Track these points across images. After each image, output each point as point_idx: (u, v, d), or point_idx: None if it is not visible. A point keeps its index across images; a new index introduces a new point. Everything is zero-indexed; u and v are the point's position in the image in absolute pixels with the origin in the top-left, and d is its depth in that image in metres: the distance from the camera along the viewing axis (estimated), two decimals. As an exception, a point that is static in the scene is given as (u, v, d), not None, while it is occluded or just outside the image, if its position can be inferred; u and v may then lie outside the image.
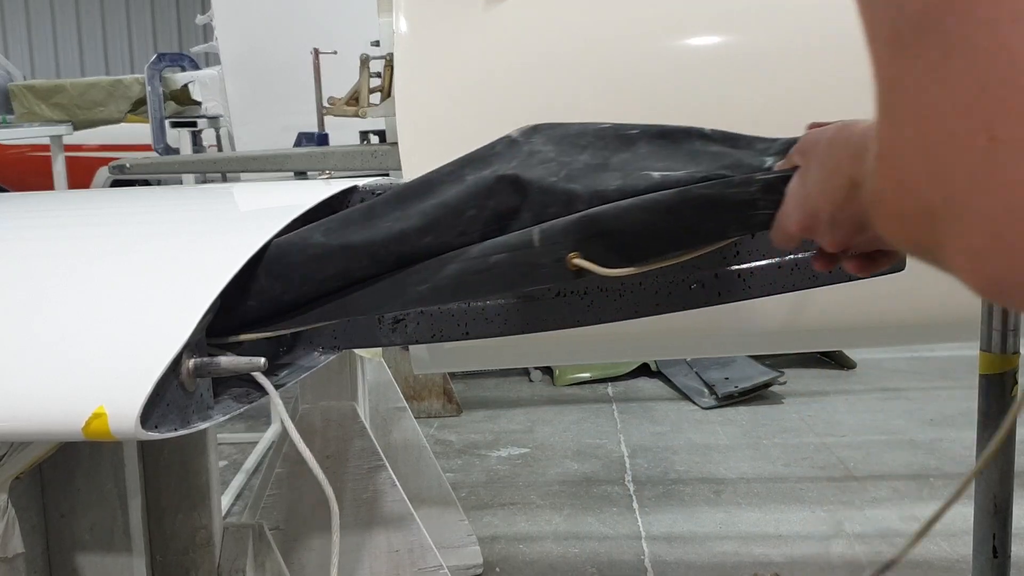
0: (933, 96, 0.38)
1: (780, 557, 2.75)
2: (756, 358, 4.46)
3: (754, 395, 4.27)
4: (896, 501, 3.10)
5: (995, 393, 1.53)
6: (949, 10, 0.37)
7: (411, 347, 1.56)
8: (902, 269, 0.93)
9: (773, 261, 1.10)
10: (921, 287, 1.41)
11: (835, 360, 4.78)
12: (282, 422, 0.93)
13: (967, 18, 0.36)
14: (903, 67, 0.40)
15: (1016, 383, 1.54)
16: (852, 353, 4.76)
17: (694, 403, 4.25)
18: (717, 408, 4.18)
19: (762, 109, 1.51)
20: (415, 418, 2.71)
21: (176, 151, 3.47)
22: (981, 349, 1.54)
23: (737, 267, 1.11)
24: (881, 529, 2.91)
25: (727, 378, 4.33)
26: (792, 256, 1.09)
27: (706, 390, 4.32)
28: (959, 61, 0.37)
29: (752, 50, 1.58)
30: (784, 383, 4.36)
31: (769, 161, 0.89)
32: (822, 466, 3.45)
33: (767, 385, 4.30)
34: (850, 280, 1.00)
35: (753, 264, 1.11)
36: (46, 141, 4.53)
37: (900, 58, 0.40)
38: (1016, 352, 1.53)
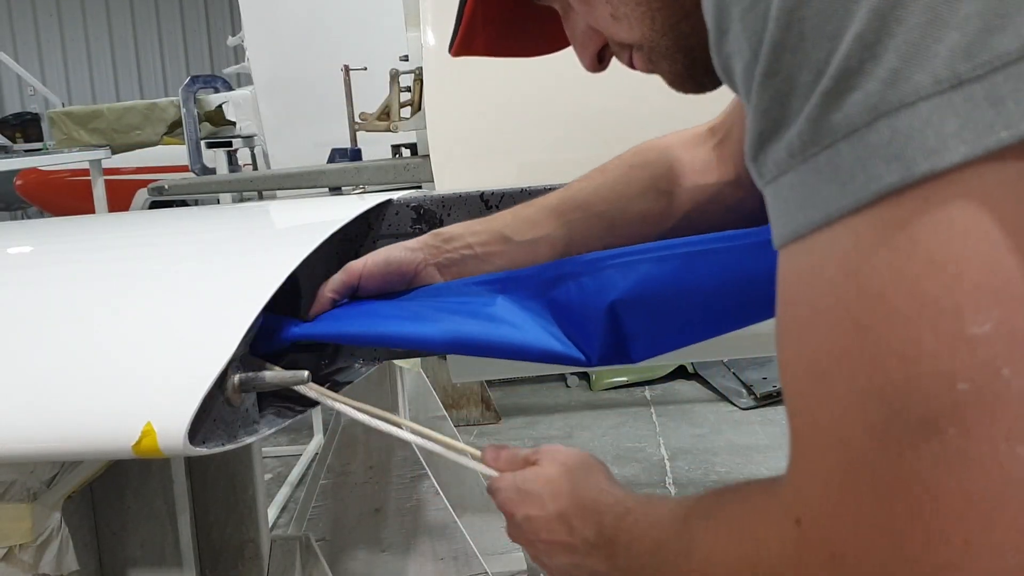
0: (915, 494, 0.41)
1: (826, 556, 2.72)
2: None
3: (794, 394, 4.24)
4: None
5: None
6: (953, 422, 0.40)
7: (449, 356, 1.58)
8: None
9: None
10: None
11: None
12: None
13: (970, 432, 0.39)
14: (885, 458, 0.42)
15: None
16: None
17: (733, 404, 4.23)
18: (756, 408, 4.16)
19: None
20: (455, 426, 2.73)
21: (212, 171, 3.51)
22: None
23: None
24: (928, 526, 2.87)
25: (765, 378, 4.31)
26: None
27: (744, 390, 4.30)
28: (953, 469, 0.40)
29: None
30: (824, 381, 4.32)
31: None
32: (866, 464, 3.42)
33: (807, 383, 4.27)
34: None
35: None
36: (85, 166, 4.63)
37: (885, 450, 0.42)
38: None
